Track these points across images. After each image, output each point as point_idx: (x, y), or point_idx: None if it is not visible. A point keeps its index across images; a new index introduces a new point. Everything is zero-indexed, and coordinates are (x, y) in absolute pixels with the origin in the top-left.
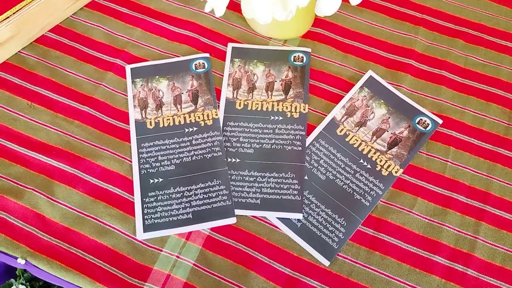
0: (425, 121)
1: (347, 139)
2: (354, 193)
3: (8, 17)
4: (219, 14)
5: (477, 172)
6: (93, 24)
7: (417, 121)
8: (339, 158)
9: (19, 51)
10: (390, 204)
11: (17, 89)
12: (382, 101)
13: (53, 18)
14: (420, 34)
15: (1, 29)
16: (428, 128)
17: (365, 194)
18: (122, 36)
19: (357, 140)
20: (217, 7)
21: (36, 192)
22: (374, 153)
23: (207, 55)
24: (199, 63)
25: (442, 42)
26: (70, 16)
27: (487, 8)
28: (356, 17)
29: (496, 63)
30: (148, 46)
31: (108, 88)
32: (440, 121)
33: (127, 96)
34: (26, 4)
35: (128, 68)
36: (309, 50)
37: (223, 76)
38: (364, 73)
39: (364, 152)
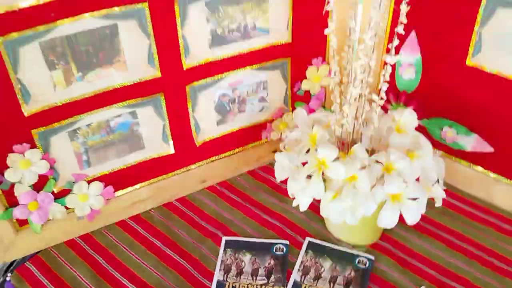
0: None
1: None
2: None
3: (151, 183)
4: (303, 209)
5: None
6: (208, 202)
7: None
8: None
9: (149, 209)
10: None
11: (138, 236)
12: None
13: (181, 191)
14: (474, 268)
15: (144, 190)
16: None
17: None
18: (225, 215)
19: None
20: (301, 205)
21: None
22: None
23: (287, 242)
24: (279, 247)
25: None
26: (193, 192)
27: None
28: (417, 240)
29: None
30: (242, 226)
31: (205, 251)
32: None
33: (216, 260)
34: (168, 177)
35: (224, 239)
36: (372, 257)
37: (295, 261)
38: None
39: None
